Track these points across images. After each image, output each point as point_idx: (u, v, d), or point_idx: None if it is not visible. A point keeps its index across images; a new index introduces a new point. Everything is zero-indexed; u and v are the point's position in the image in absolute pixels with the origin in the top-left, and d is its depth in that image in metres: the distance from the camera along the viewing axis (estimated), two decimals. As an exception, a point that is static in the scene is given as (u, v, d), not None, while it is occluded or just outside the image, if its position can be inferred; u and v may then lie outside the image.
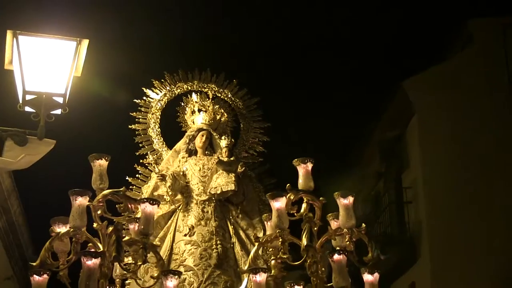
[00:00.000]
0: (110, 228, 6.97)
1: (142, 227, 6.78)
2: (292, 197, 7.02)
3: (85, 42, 6.85)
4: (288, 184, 7.05)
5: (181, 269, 7.87)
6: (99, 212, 6.98)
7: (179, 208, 8.53)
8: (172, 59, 8.81)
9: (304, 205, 7.13)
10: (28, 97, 6.68)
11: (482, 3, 17.47)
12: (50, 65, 6.76)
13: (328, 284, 6.92)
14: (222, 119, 8.98)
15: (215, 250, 8.13)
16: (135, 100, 8.80)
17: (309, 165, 7.18)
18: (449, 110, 15.72)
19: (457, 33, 16.93)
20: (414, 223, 16.01)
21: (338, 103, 19.15)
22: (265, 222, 7.55)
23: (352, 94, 20.21)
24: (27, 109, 6.71)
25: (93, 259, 6.42)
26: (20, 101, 6.72)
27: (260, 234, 7.84)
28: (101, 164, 7.09)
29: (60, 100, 6.75)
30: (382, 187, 17.65)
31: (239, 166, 8.58)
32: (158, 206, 7.01)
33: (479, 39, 16.23)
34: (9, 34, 6.68)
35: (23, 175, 7.82)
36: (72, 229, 6.78)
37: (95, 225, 7.00)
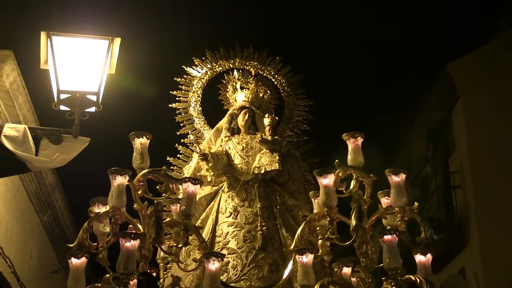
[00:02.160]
0: (151, 209, 6.62)
1: (184, 207, 6.45)
2: (340, 174, 6.58)
3: (117, 41, 6.86)
4: (337, 160, 6.60)
5: (224, 251, 7.53)
6: (139, 192, 6.62)
7: (222, 189, 8.16)
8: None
9: (353, 182, 6.67)
10: (62, 96, 6.69)
11: None
12: (83, 64, 6.77)
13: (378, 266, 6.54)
14: (265, 96, 8.59)
15: (259, 231, 7.73)
16: (176, 78, 8.40)
17: (359, 140, 6.73)
18: (494, 93, 15.11)
19: (502, 15, 16.36)
20: (462, 207, 15.38)
21: (382, 86, 18.73)
22: (312, 200, 7.13)
23: (397, 77, 19.76)
24: (62, 107, 6.71)
25: (132, 240, 6.12)
26: (55, 100, 6.73)
27: (307, 214, 7.34)
28: (142, 142, 6.73)
29: (93, 98, 6.75)
30: (429, 171, 17.08)
31: (283, 145, 8.15)
32: (200, 186, 6.66)
33: (521, 22, 15.61)
34: (43, 35, 6.71)
35: (66, 170, 7.58)
36: (111, 210, 6.44)
37: (135, 205, 6.64)
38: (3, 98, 10.11)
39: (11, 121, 10.27)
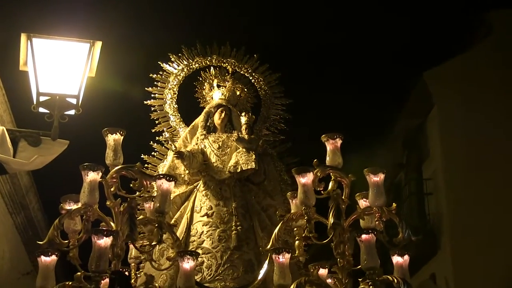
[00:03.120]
0: (124, 206, 6.44)
1: (158, 205, 6.27)
2: (319, 173, 6.44)
3: (98, 44, 6.80)
4: (315, 160, 6.47)
5: (199, 251, 7.28)
6: (112, 189, 6.45)
7: (197, 188, 7.94)
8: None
9: (331, 182, 6.53)
10: (42, 98, 6.65)
11: None
12: (64, 66, 6.74)
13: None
14: (242, 94, 8.38)
15: (234, 231, 7.53)
16: (152, 75, 8.17)
17: (338, 141, 6.62)
18: (468, 101, 15.27)
19: (477, 25, 16.42)
20: (434, 214, 15.61)
21: (359, 92, 18.71)
22: (290, 200, 7.00)
23: (373, 84, 19.77)
24: (41, 110, 6.68)
25: (105, 237, 5.90)
26: (34, 102, 6.69)
27: (284, 214, 7.15)
28: (115, 139, 6.57)
29: (73, 101, 6.71)
30: (403, 178, 17.08)
31: (259, 144, 7.96)
32: (175, 183, 6.49)
33: (498, 30, 15.76)
34: (23, 36, 6.67)
35: (42, 172, 7.44)
36: (83, 206, 6.24)
37: (108, 202, 6.46)
38: None
39: None
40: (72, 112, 6.76)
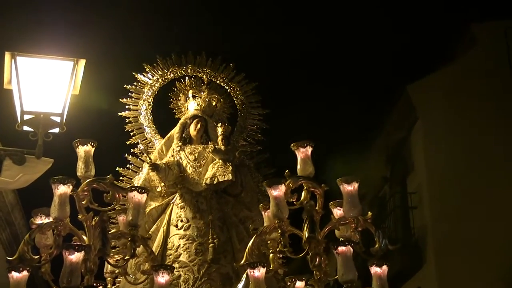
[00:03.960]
0: (96, 220, 6.26)
1: (131, 218, 6.11)
2: (291, 184, 6.26)
3: (82, 62, 6.70)
4: (287, 171, 6.31)
5: (176, 265, 7.18)
6: (84, 202, 6.26)
7: (173, 201, 7.77)
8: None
9: (304, 193, 6.35)
10: (26, 116, 6.52)
11: (484, 7, 16.72)
12: (48, 85, 6.61)
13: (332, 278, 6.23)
14: (218, 105, 8.23)
15: (211, 244, 7.37)
16: (125, 86, 8.00)
17: (309, 150, 6.43)
18: (453, 114, 14.98)
19: (460, 37, 16.23)
20: (419, 228, 15.25)
21: (341, 105, 18.59)
22: (263, 212, 6.81)
23: (356, 97, 19.60)
24: (25, 128, 6.54)
25: (76, 252, 5.72)
26: (19, 121, 6.55)
27: (258, 227, 6.99)
28: (86, 150, 6.42)
29: (57, 119, 6.57)
30: (388, 191, 16.92)
31: (236, 155, 7.80)
32: (147, 194, 6.30)
33: (481, 42, 15.52)
34: (7, 55, 6.58)
35: (26, 189, 7.34)
36: (54, 221, 6.06)
37: (79, 216, 6.26)
38: None
39: None
40: (56, 130, 6.61)
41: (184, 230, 7.48)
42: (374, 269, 6.25)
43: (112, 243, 6.80)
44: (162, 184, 7.68)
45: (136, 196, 6.13)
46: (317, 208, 6.29)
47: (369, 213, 6.32)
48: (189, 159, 7.79)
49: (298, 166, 6.37)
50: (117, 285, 7.20)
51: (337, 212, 6.51)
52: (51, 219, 6.10)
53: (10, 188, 8.11)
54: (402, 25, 19.10)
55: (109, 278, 7.09)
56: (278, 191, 6.13)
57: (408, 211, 15.66)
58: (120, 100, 7.99)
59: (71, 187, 6.10)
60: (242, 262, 6.25)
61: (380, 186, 17.56)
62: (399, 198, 16.29)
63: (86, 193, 6.25)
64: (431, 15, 18.74)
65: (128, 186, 6.68)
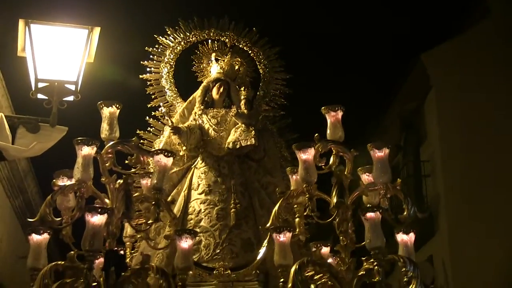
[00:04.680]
0: (120, 182, 6.13)
1: (155, 181, 6.00)
2: (320, 148, 6.13)
3: (97, 30, 6.69)
4: (317, 134, 6.15)
5: (197, 230, 6.94)
6: (107, 164, 6.14)
7: (194, 165, 7.61)
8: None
9: (333, 157, 6.23)
10: (40, 84, 6.54)
11: None
12: (62, 53, 6.61)
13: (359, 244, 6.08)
14: (241, 69, 7.99)
15: (233, 209, 7.21)
16: (147, 48, 7.80)
17: (339, 113, 6.30)
18: (466, 84, 14.86)
19: (474, 7, 16.03)
20: (432, 197, 15.21)
21: (357, 73, 18.46)
22: (290, 176, 6.67)
23: (371, 65, 19.59)
24: (40, 96, 6.58)
25: (99, 215, 5.59)
26: (33, 89, 6.59)
27: (284, 191, 6.82)
28: (111, 112, 6.25)
29: (72, 87, 6.60)
30: (401, 160, 16.79)
31: (259, 119, 7.64)
32: (173, 158, 6.19)
33: (495, 11, 15.34)
34: (21, 22, 6.56)
35: (39, 157, 7.29)
36: (76, 183, 5.92)
37: (103, 178, 6.15)
38: None
39: None
40: (71, 98, 6.63)
41: (205, 194, 7.33)
42: (401, 237, 6.16)
43: (135, 208, 6.70)
44: (184, 147, 7.51)
45: (162, 159, 6.01)
46: (346, 173, 6.14)
47: (399, 180, 6.18)
48: (211, 123, 7.63)
49: (328, 130, 6.24)
50: (136, 249, 7.07)
51: (365, 177, 6.38)
52: (73, 181, 5.97)
53: (24, 156, 8.22)
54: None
55: (128, 243, 6.98)
56: (307, 155, 5.99)
57: (421, 180, 15.58)
58: (142, 62, 7.80)
59: (95, 148, 5.97)
60: (268, 225, 6.13)
61: (394, 155, 17.24)
62: (412, 167, 16.16)
63: (110, 155, 6.13)
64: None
65: (154, 149, 6.52)
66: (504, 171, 14.12)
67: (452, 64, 15.08)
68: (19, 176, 13.00)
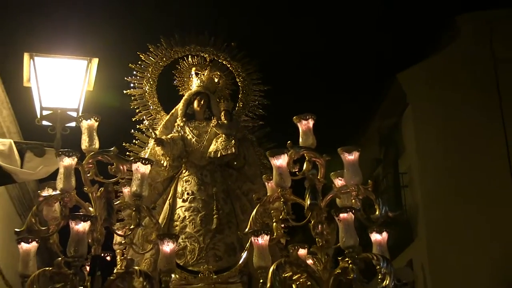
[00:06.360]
0: (101, 191, 5.90)
1: (135, 188, 5.73)
2: (293, 155, 5.88)
3: (95, 61, 6.77)
4: (289, 141, 5.92)
5: (182, 236, 6.79)
6: (89, 174, 5.88)
7: (178, 174, 7.33)
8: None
9: (306, 163, 5.97)
10: (44, 112, 6.59)
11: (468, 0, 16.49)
12: (64, 82, 6.68)
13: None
14: (220, 82, 7.70)
15: (215, 215, 6.92)
16: (131, 65, 7.52)
17: (310, 122, 6.06)
18: (440, 100, 14.91)
19: (446, 29, 15.99)
20: (410, 205, 15.24)
21: (338, 91, 18.47)
22: (266, 183, 6.43)
23: (351, 86, 19.57)
24: (44, 123, 6.64)
25: (82, 222, 5.39)
26: (38, 116, 6.64)
27: (261, 197, 6.55)
28: (89, 124, 6.01)
29: (74, 114, 6.65)
30: (381, 172, 16.76)
31: (238, 129, 7.36)
32: (151, 166, 5.92)
33: (465, 33, 15.30)
34: (26, 56, 6.64)
35: (47, 178, 7.17)
36: (60, 193, 5.69)
37: (85, 188, 5.89)
38: None
39: None
40: (73, 124, 6.66)
41: (189, 202, 7.03)
42: (375, 236, 5.88)
43: (119, 216, 6.45)
44: (167, 158, 7.22)
45: (140, 167, 5.75)
46: (319, 177, 5.88)
47: (370, 182, 5.92)
48: (193, 134, 7.34)
49: (300, 138, 6.00)
50: (125, 256, 6.72)
51: (338, 182, 6.10)
52: (57, 192, 5.72)
53: (32, 179, 8.15)
54: (393, 19, 19.13)
55: (118, 250, 6.65)
56: (281, 161, 5.75)
57: (400, 190, 15.63)
58: (125, 78, 7.50)
59: (76, 159, 5.74)
60: (247, 230, 5.87)
61: (374, 167, 17.41)
62: (391, 178, 16.24)
63: (91, 165, 5.87)
64: (419, 8, 18.65)
65: (132, 158, 6.22)
66: (476, 181, 14.09)
67: (426, 82, 15.13)
68: (28, 196, 12.92)
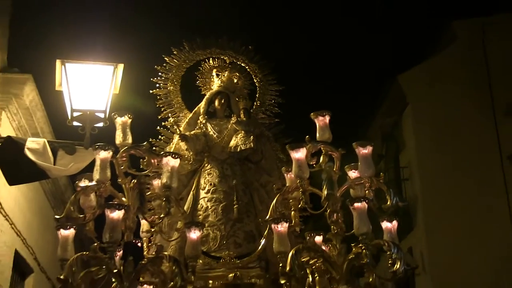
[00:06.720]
0: (134, 182, 6.05)
1: (165, 180, 5.82)
2: (311, 148, 5.98)
3: (121, 66, 6.85)
4: (307, 136, 5.96)
5: (205, 224, 6.73)
6: (122, 167, 6.01)
7: (201, 167, 7.39)
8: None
9: (322, 156, 6.09)
10: (75, 114, 6.69)
11: (463, 6, 16.69)
12: (92, 86, 6.75)
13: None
14: (239, 82, 7.77)
15: (235, 205, 6.97)
16: (156, 66, 7.60)
17: (327, 118, 6.16)
18: (437, 99, 15.04)
19: (443, 33, 16.08)
20: (410, 197, 15.25)
21: (343, 92, 18.56)
22: (285, 174, 6.51)
23: (356, 86, 19.81)
24: (75, 123, 6.74)
25: (117, 211, 5.49)
26: (69, 117, 6.73)
27: (280, 187, 6.63)
28: (123, 121, 6.16)
29: (101, 115, 6.74)
30: (383, 166, 16.79)
31: (257, 126, 7.43)
32: (180, 160, 6.01)
33: (461, 37, 15.44)
34: (58, 62, 6.75)
35: (76, 173, 7.25)
36: (96, 183, 5.82)
37: (119, 180, 6.03)
38: (24, 114, 10.07)
39: (31, 132, 10.28)
40: (100, 124, 6.74)
41: (211, 193, 7.10)
42: (385, 224, 5.95)
43: (149, 206, 6.51)
44: (191, 152, 7.30)
45: (170, 161, 5.84)
46: (334, 169, 5.95)
47: (382, 174, 6.01)
48: (214, 130, 7.43)
49: (317, 133, 6.10)
50: (152, 243, 6.82)
51: (352, 174, 6.20)
52: (93, 183, 5.85)
53: (64, 175, 8.15)
54: (395, 25, 19.18)
55: (145, 238, 6.75)
56: (300, 154, 5.83)
57: (400, 183, 15.67)
58: (152, 79, 7.57)
59: (111, 153, 5.86)
60: (267, 217, 5.95)
61: (376, 162, 17.29)
62: (392, 172, 16.24)
63: (124, 159, 6.00)
64: (418, 14, 18.75)
65: (163, 152, 6.31)
66: (470, 174, 14.18)
67: (424, 84, 15.22)
68: (60, 190, 13.11)
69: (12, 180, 7.28)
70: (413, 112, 15.35)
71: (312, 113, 6.11)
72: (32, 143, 7.05)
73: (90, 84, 6.71)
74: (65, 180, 12.96)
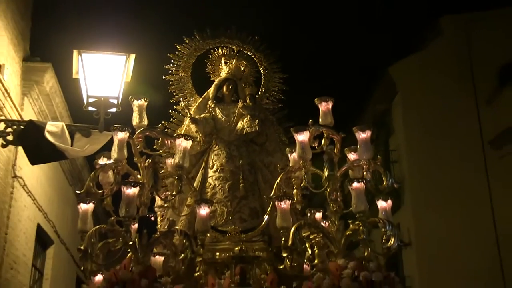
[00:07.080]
0: (149, 162, 6.07)
1: (178, 160, 5.87)
2: (314, 131, 6.01)
3: (132, 56, 6.89)
4: (310, 120, 5.96)
5: (213, 201, 6.76)
6: (138, 147, 6.07)
7: (209, 148, 7.43)
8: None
9: (324, 139, 6.11)
10: (90, 99, 6.74)
11: (450, 2, 16.75)
12: (106, 74, 6.79)
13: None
14: (246, 70, 7.79)
15: (241, 183, 7.03)
16: (169, 54, 7.62)
17: (330, 104, 6.16)
18: (425, 89, 15.23)
19: (430, 28, 16.18)
20: (398, 177, 15.26)
21: (338, 81, 18.64)
22: (289, 155, 6.55)
23: (350, 75, 19.81)
24: (90, 109, 6.78)
25: (132, 188, 5.56)
26: (85, 103, 6.78)
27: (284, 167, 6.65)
28: (140, 104, 6.21)
29: (114, 101, 6.78)
30: (374, 149, 16.65)
31: (261, 111, 7.46)
32: (192, 141, 6.08)
33: (447, 32, 15.64)
34: (75, 52, 6.82)
35: (92, 154, 7.33)
36: (113, 162, 5.89)
37: (135, 159, 6.09)
38: (44, 99, 10.14)
39: (50, 117, 10.37)
40: (114, 109, 6.79)
41: (219, 172, 7.15)
42: (381, 203, 6.00)
43: (162, 184, 6.57)
44: (200, 134, 7.33)
45: (182, 142, 5.89)
46: (335, 151, 5.98)
47: (379, 157, 6.05)
48: (222, 114, 7.46)
49: (320, 118, 6.10)
50: (164, 217, 6.87)
51: (351, 156, 6.24)
52: (111, 161, 5.92)
53: (81, 155, 8.28)
54: (387, 19, 19.23)
55: (158, 212, 6.83)
56: (303, 136, 5.87)
57: (389, 165, 15.76)
58: (164, 66, 7.58)
59: (128, 134, 5.90)
60: (271, 194, 6.00)
61: (368, 146, 17.39)
62: (382, 155, 16.08)
63: (140, 139, 6.05)
64: (407, 10, 18.76)
65: (176, 134, 6.34)
66: (454, 155, 14.41)
67: (413, 74, 15.39)
68: (77, 169, 13.22)
69: (33, 160, 7.35)
70: (402, 100, 15.51)
71: (316, 99, 6.12)
72: (52, 127, 7.12)
73: (104, 73, 6.75)
74: (82, 160, 13.11)
